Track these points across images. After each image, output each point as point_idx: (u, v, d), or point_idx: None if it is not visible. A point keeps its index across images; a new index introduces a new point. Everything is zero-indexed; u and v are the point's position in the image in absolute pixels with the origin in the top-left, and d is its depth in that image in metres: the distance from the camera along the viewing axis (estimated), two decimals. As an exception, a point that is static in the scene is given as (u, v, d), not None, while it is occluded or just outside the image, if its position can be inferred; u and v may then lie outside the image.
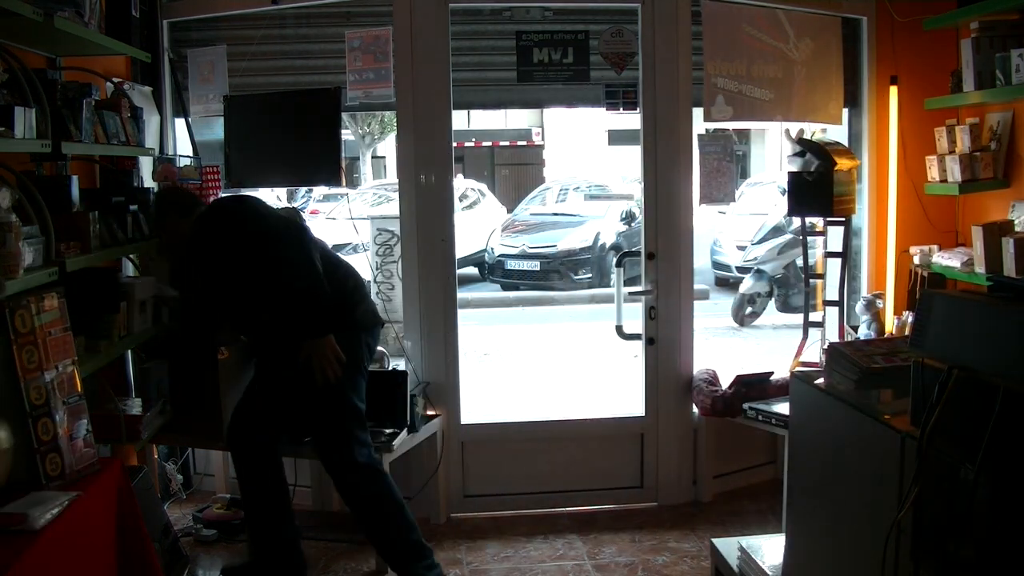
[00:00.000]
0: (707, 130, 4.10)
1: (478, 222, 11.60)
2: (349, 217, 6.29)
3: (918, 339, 1.87)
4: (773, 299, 8.65)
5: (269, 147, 3.91)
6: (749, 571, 2.85)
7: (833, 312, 4.02)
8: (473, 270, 11.63)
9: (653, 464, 4.05)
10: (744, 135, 17.38)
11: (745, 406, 3.77)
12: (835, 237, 4.06)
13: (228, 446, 3.29)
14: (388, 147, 18.01)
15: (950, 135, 3.82)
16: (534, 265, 10.77)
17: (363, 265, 4.75)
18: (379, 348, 3.59)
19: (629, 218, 10.94)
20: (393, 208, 5.57)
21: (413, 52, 3.77)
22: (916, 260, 3.97)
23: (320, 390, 3.11)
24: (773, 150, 16.86)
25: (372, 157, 18.11)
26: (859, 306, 3.99)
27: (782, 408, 3.60)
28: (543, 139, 18.52)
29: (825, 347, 3.11)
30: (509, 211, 13.14)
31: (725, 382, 3.95)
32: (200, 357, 3.46)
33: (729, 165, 4.05)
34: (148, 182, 3.73)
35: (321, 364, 3.06)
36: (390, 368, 3.75)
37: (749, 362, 6.50)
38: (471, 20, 3.96)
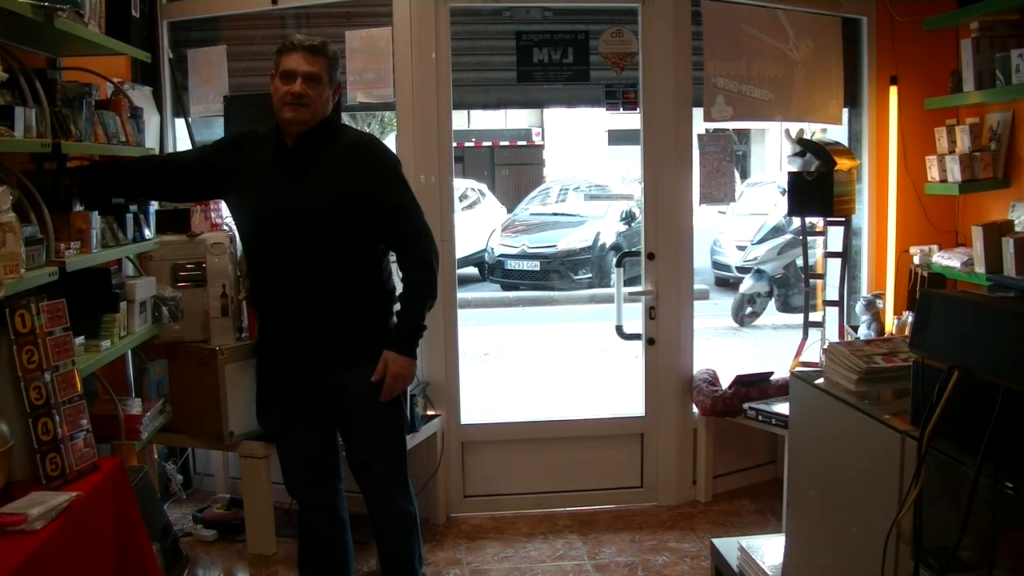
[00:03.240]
0: (707, 130, 4.10)
1: (478, 222, 11.60)
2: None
3: (918, 339, 1.87)
4: (773, 299, 8.67)
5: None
6: (749, 571, 2.85)
7: (833, 312, 4.02)
8: (473, 270, 11.63)
9: (653, 464, 4.05)
10: (744, 135, 17.39)
11: (745, 406, 3.78)
12: (835, 237, 4.06)
13: (293, 499, 2.86)
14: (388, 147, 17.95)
15: (950, 135, 3.82)
16: (534, 265, 10.78)
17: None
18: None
19: (629, 218, 10.95)
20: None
21: (413, 52, 3.77)
22: (916, 260, 3.97)
23: (380, 420, 2.70)
24: (773, 150, 16.86)
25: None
26: (859, 306, 3.99)
27: (782, 408, 3.60)
28: (543, 139, 18.49)
29: (825, 347, 3.11)
30: (509, 211, 13.13)
31: (725, 382, 3.95)
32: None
33: (729, 165, 4.05)
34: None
35: (395, 386, 2.66)
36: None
37: (749, 362, 6.53)
38: (471, 20, 3.95)
